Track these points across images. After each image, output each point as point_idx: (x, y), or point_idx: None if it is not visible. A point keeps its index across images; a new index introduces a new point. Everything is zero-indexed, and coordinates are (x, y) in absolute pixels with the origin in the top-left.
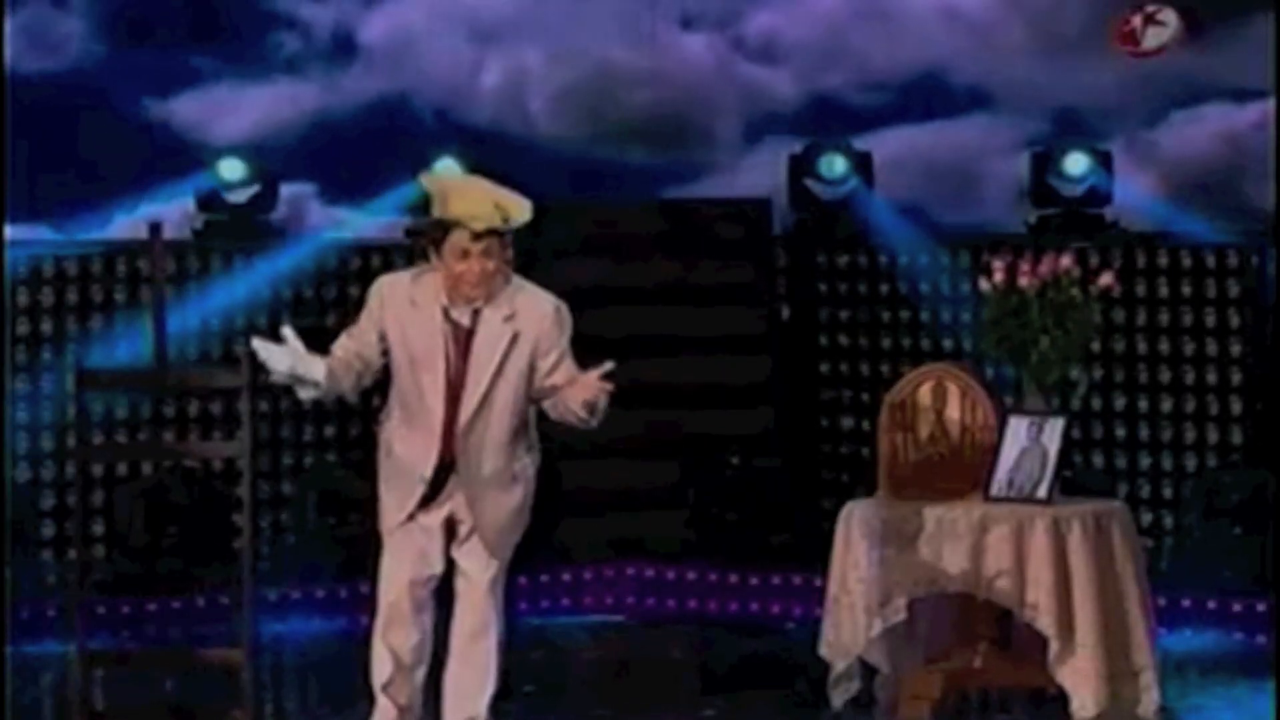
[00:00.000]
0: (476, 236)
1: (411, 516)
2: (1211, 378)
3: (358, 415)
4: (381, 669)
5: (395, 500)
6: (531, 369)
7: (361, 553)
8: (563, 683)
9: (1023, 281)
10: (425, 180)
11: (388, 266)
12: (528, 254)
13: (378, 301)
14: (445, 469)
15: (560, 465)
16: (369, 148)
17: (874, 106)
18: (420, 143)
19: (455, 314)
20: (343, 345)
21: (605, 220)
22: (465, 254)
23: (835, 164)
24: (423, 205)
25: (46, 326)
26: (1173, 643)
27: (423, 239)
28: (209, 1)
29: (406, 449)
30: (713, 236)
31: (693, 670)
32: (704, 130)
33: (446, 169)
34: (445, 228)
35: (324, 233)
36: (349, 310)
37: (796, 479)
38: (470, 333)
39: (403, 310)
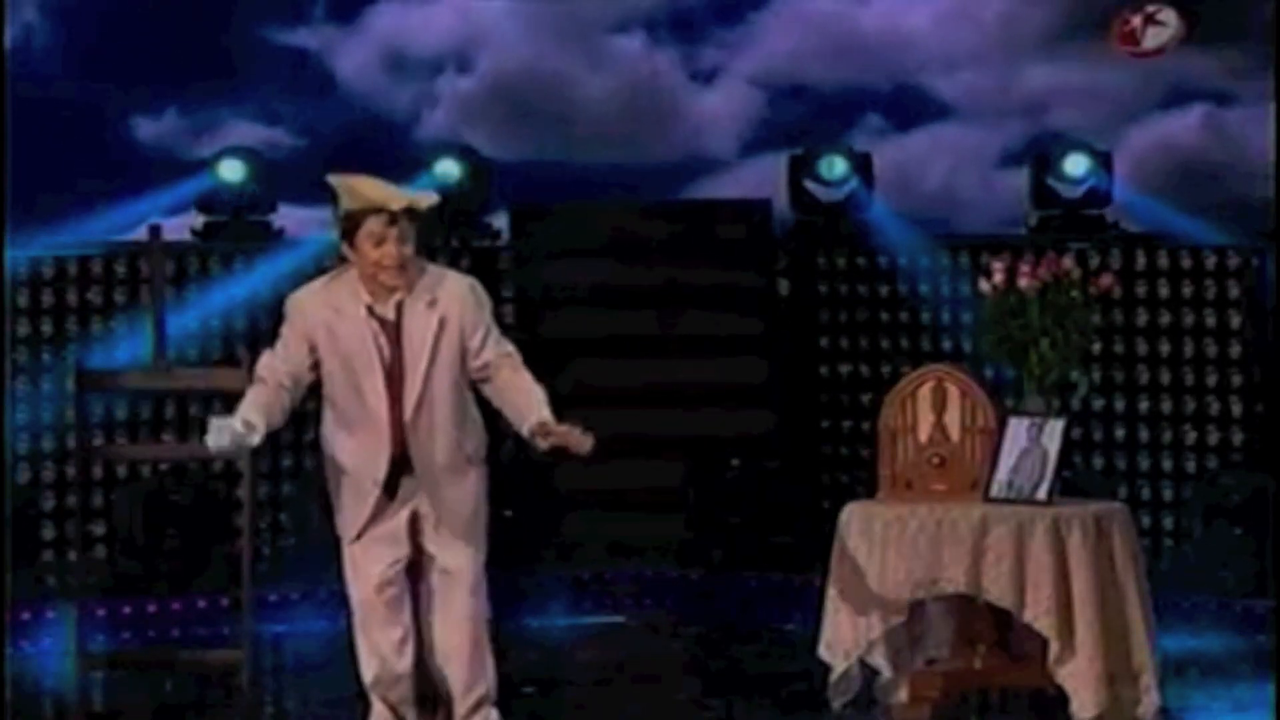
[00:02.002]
0: (391, 221)
1: (371, 522)
2: (1211, 379)
3: None
4: (367, 668)
5: (350, 510)
6: (463, 351)
7: None
8: (562, 684)
9: (1022, 283)
10: (331, 179)
11: None
12: (529, 254)
13: (299, 315)
14: (398, 467)
15: (559, 466)
16: (357, 164)
17: (859, 116)
18: (409, 156)
19: (380, 310)
20: (270, 368)
21: (605, 221)
22: (380, 240)
23: (835, 165)
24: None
25: (47, 328)
26: (1173, 643)
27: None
28: (197, 26)
29: (353, 456)
30: (713, 238)
31: (692, 672)
32: (690, 143)
33: (445, 172)
34: (357, 217)
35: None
36: None
37: (796, 480)
38: (397, 326)
39: (327, 317)
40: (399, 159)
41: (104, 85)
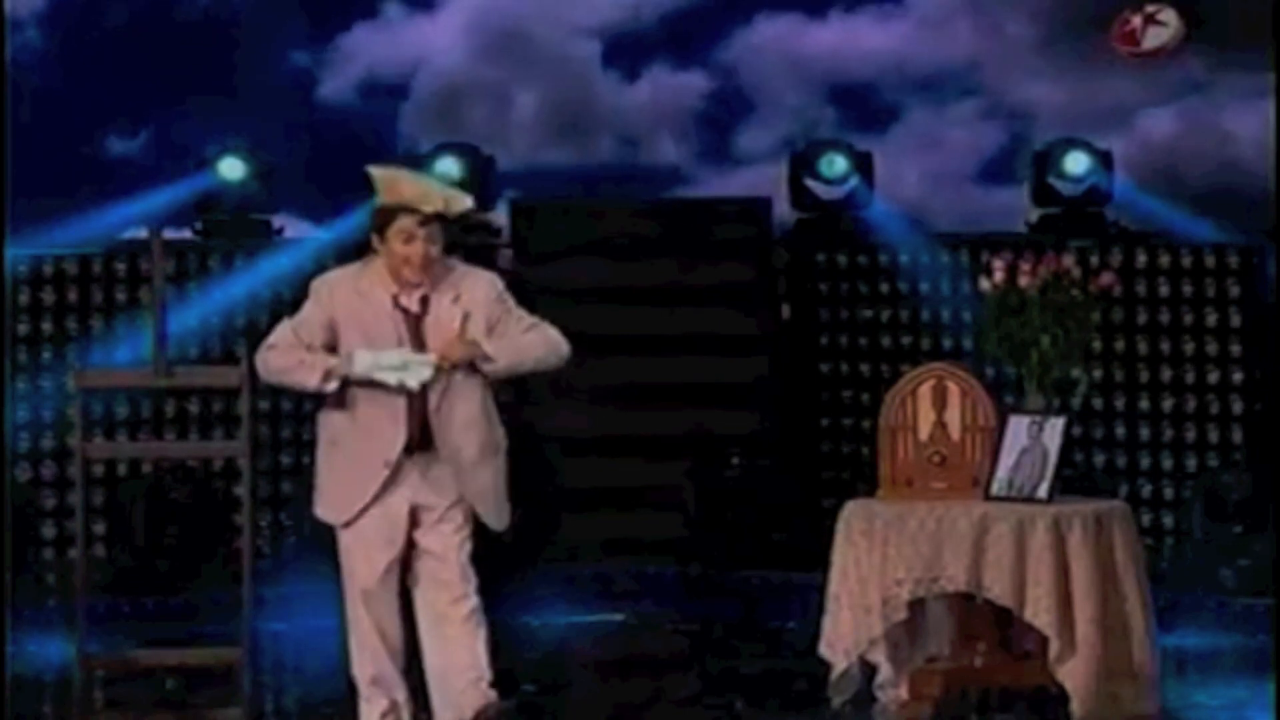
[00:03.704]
0: (422, 222)
1: (370, 506)
2: (1212, 377)
3: None
4: (369, 663)
5: (352, 490)
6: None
7: None
8: (562, 683)
9: (1023, 281)
10: (373, 170)
11: None
12: (528, 252)
13: (326, 294)
14: (407, 452)
15: (560, 464)
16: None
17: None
18: (403, 157)
19: (404, 301)
20: (288, 342)
21: (605, 220)
22: (410, 238)
23: (836, 163)
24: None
25: (47, 326)
26: (1173, 643)
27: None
28: (190, 43)
29: (364, 438)
30: (713, 236)
31: (692, 670)
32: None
33: (445, 170)
34: (390, 213)
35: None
36: None
37: (796, 478)
38: (420, 318)
39: (351, 300)
40: (393, 161)
41: (103, 94)
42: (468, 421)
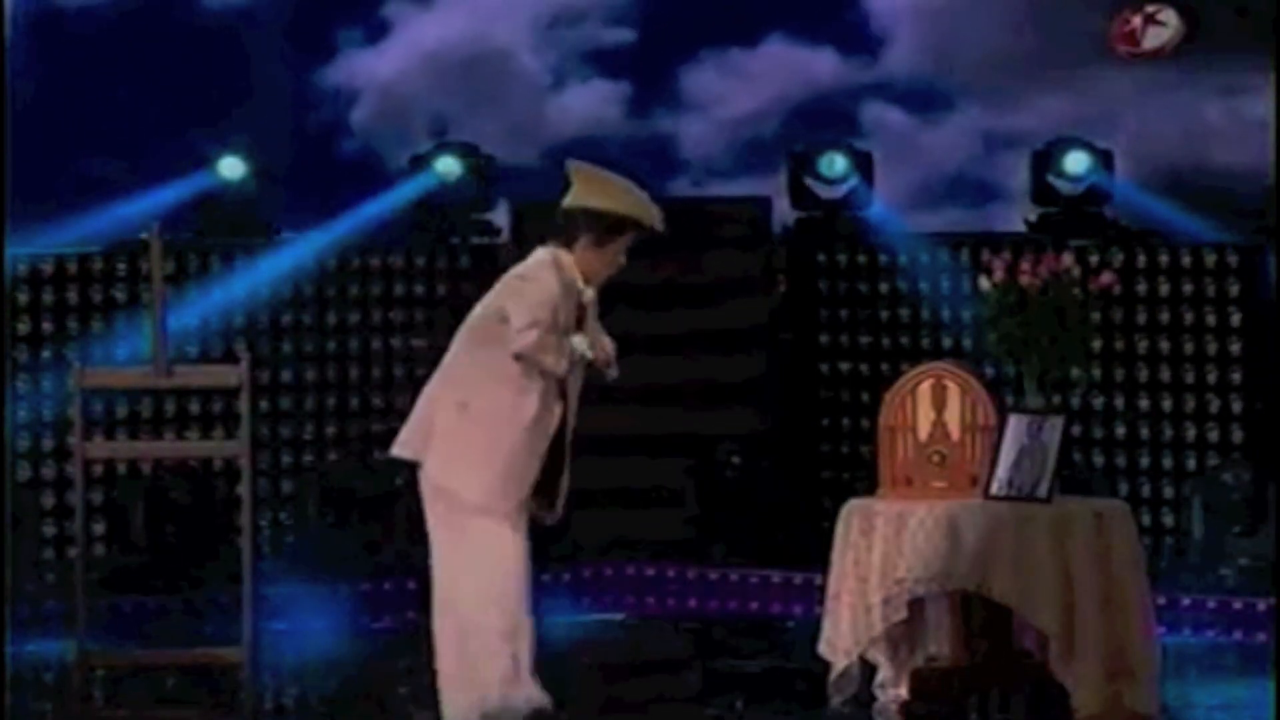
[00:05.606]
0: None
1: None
2: (1211, 376)
3: (356, 414)
4: (520, 632)
5: (523, 469)
6: None
7: (361, 551)
8: (563, 682)
9: (1023, 280)
10: (581, 170)
11: (386, 266)
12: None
13: (559, 288)
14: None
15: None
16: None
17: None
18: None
19: (583, 298)
20: (548, 325)
21: None
22: (626, 252)
23: (835, 163)
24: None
25: (47, 326)
26: (1173, 642)
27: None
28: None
29: (538, 417)
30: (713, 235)
31: (693, 669)
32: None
33: (446, 170)
34: (620, 224)
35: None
36: (348, 308)
37: (796, 478)
38: (584, 313)
39: (563, 294)
40: (390, 167)
41: (99, 100)
42: (575, 411)
